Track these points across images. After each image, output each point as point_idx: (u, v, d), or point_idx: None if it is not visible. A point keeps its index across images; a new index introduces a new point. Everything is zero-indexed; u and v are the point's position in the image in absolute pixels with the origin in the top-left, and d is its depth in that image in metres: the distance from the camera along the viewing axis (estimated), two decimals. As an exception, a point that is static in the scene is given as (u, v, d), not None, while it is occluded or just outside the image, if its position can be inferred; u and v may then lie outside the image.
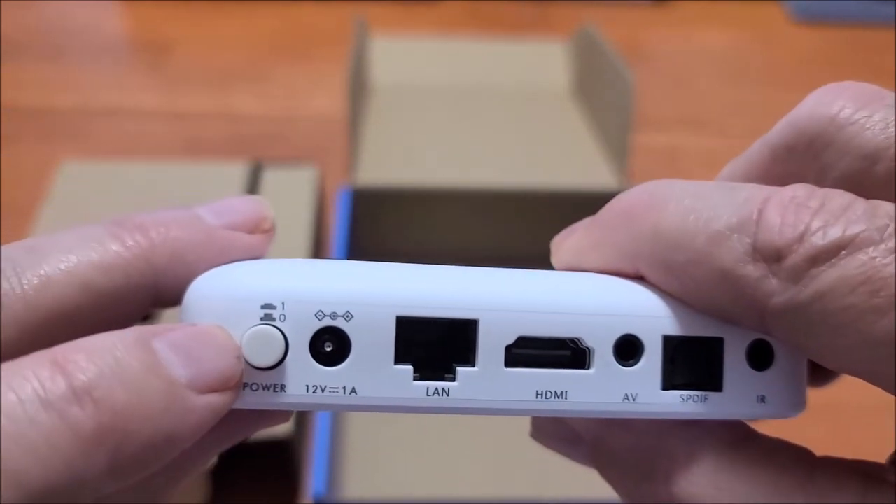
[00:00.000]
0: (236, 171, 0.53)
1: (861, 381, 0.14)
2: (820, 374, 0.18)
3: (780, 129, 0.15)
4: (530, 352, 0.15)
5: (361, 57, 0.56)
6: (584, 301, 0.15)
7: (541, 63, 0.64)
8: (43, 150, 0.65)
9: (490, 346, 0.14)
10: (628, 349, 0.15)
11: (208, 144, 0.68)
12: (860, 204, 0.13)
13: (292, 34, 0.82)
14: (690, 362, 0.15)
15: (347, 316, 0.14)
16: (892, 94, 0.14)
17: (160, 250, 0.15)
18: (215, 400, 0.13)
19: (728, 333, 0.15)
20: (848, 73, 0.80)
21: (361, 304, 0.14)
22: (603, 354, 0.15)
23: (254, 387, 0.14)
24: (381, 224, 0.52)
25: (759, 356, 0.15)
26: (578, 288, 0.15)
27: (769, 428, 0.15)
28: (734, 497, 0.14)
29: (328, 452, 0.36)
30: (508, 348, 0.15)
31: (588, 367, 0.15)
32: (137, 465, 0.12)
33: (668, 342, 0.15)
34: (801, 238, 0.13)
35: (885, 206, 0.13)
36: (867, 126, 0.14)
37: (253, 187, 0.52)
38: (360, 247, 0.52)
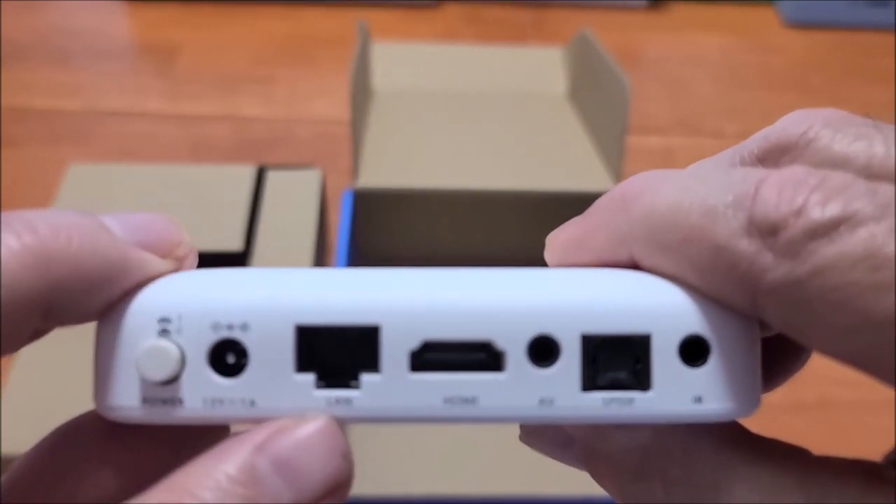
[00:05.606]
0: (241, 174, 0.54)
1: (854, 378, 0.13)
2: (776, 370, 0.17)
3: (752, 141, 0.15)
4: (440, 356, 0.14)
5: (364, 62, 0.57)
6: (494, 300, 0.14)
7: (538, 68, 0.65)
8: (50, 153, 0.66)
9: (393, 352, 0.14)
10: (544, 350, 0.14)
11: (213, 147, 0.69)
12: (860, 183, 0.12)
13: (296, 39, 0.83)
14: (614, 361, 0.14)
15: (244, 327, 0.14)
16: (861, 117, 0.14)
17: (59, 262, 0.13)
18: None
19: (657, 328, 0.14)
20: (840, 76, 0.82)
21: (258, 313, 0.14)
22: (516, 356, 0.14)
23: (152, 402, 0.14)
24: (383, 226, 0.53)
25: (694, 352, 0.14)
26: (489, 286, 0.14)
27: (760, 427, 0.15)
28: (732, 497, 0.13)
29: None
30: (414, 353, 0.14)
31: (500, 371, 0.14)
32: None
33: (588, 341, 0.14)
34: (798, 212, 0.12)
35: (886, 187, 0.12)
36: (836, 140, 0.14)
37: (257, 190, 0.53)
38: (363, 248, 0.53)
